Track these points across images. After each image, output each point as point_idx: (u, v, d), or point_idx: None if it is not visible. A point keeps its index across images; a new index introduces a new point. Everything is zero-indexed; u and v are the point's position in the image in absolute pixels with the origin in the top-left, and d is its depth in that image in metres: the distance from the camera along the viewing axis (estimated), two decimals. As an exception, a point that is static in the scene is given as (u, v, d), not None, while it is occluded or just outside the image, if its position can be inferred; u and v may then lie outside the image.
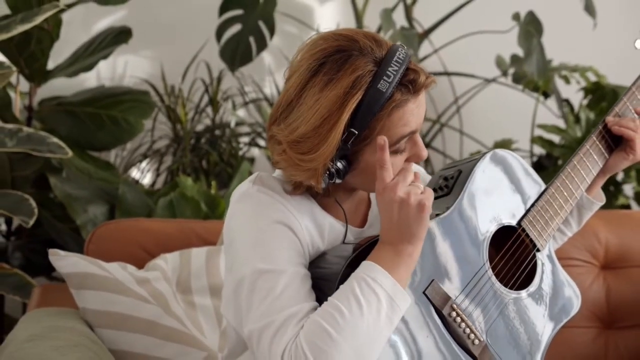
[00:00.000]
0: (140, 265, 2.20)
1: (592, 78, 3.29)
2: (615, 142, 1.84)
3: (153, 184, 3.24)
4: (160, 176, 3.24)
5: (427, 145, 3.44)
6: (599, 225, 2.47)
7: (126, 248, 2.24)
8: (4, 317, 2.96)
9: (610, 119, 1.84)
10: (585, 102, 3.19)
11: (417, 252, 1.52)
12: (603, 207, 3.03)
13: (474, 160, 1.72)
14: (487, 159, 1.72)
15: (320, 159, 1.49)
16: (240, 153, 3.22)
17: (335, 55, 1.48)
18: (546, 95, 3.33)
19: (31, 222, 2.44)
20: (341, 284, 1.48)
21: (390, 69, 1.47)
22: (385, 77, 1.47)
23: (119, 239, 2.26)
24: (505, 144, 3.24)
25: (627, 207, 3.17)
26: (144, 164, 3.24)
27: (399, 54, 1.49)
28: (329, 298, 1.46)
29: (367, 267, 1.48)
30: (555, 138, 3.36)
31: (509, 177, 1.74)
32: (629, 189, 3.35)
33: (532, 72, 3.04)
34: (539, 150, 3.42)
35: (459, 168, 1.73)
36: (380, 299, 1.45)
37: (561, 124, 3.33)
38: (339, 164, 1.51)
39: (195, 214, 2.74)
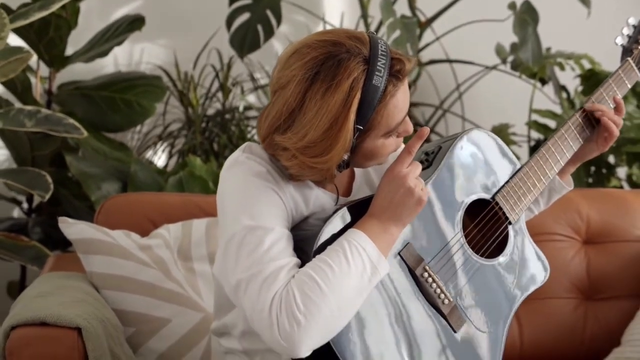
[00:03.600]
0: (145, 234, 2.33)
1: (587, 65, 3.39)
2: (590, 129, 1.94)
3: (166, 165, 3.39)
4: (172, 158, 3.40)
5: (431, 131, 3.57)
6: (581, 202, 2.59)
7: (133, 219, 2.37)
8: (25, 289, 3.13)
9: (589, 105, 1.95)
10: (580, 88, 3.31)
11: (398, 235, 1.66)
12: (594, 187, 3.16)
13: (453, 138, 1.84)
14: (465, 137, 1.83)
15: (335, 158, 1.61)
16: (249, 136, 3.35)
17: (327, 62, 1.58)
18: (543, 81, 3.44)
19: (47, 196, 2.58)
20: (321, 240, 1.60)
21: (379, 63, 1.59)
22: (377, 73, 1.58)
23: (126, 211, 2.39)
24: (502, 129, 3.36)
25: (620, 189, 3.27)
26: (157, 146, 3.40)
27: (381, 47, 1.61)
28: (319, 255, 1.58)
29: (356, 235, 1.61)
30: (551, 122, 3.47)
31: (485, 154, 1.85)
32: (621, 172, 3.46)
33: (527, 59, 3.16)
34: (536, 135, 3.54)
35: (440, 144, 1.85)
36: (365, 264, 1.58)
37: (559, 109, 3.44)
38: (345, 156, 1.64)
39: (204, 192, 2.87)
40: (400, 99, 1.63)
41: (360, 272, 1.58)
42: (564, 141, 1.92)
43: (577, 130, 1.93)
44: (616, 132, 1.93)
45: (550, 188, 2.00)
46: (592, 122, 1.95)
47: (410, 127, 1.69)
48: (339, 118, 1.57)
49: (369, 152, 1.67)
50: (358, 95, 1.57)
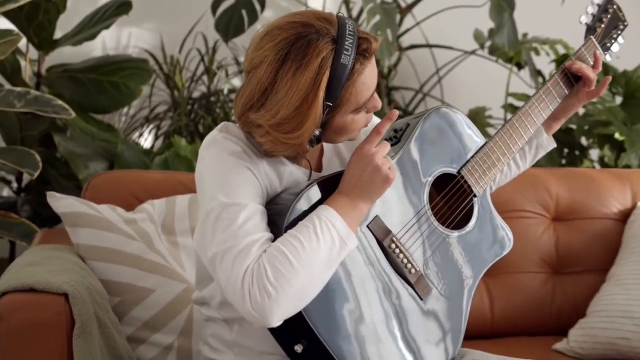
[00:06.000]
0: (131, 210, 2.40)
1: (562, 50, 3.49)
2: (552, 103, 2.03)
3: (152, 146, 3.47)
4: (158, 139, 3.48)
5: (410, 114, 3.66)
6: (551, 180, 2.69)
7: (118, 195, 2.43)
8: (14, 264, 3.21)
9: (569, 63, 2.04)
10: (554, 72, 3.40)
11: (366, 210, 1.74)
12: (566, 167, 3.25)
13: (420, 115, 1.92)
14: (432, 115, 1.92)
15: (306, 134, 1.68)
16: (233, 118, 3.41)
17: (297, 42, 1.65)
18: (519, 66, 3.54)
19: (36, 174, 2.66)
20: (293, 215, 1.68)
21: (346, 43, 1.66)
22: (345, 52, 1.66)
23: (112, 187, 2.46)
24: (479, 112, 3.45)
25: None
26: (144, 127, 3.48)
27: (349, 27, 1.68)
28: (290, 231, 1.65)
29: (326, 211, 1.68)
30: (526, 106, 3.56)
31: (451, 131, 1.93)
32: (594, 154, 3.56)
33: (503, 44, 3.26)
34: (512, 117, 3.63)
35: (408, 122, 1.93)
36: (334, 240, 1.66)
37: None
38: (316, 132, 1.71)
39: (188, 171, 2.95)
40: (368, 76, 1.71)
41: (329, 246, 1.65)
42: (528, 117, 2.00)
43: (540, 106, 2.01)
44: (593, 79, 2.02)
45: (537, 144, 2.09)
46: (571, 80, 2.05)
47: (378, 103, 1.76)
48: (309, 95, 1.65)
49: (340, 127, 1.74)
50: (327, 74, 1.65)
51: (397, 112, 1.74)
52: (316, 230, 1.64)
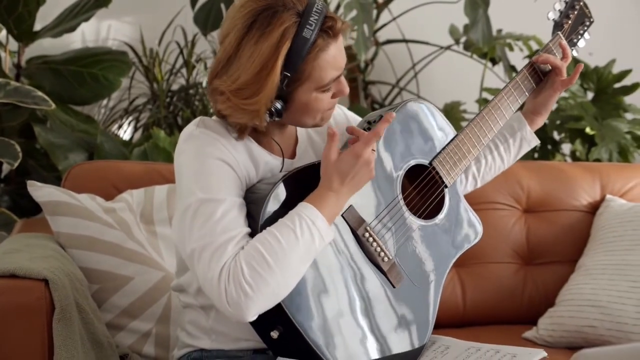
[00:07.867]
0: (110, 200, 2.43)
1: (535, 46, 3.55)
2: (520, 97, 2.08)
3: (131, 138, 3.50)
4: (138, 131, 3.51)
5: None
6: (522, 173, 2.74)
7: (98, 185, 2.46)
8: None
9: (536, 58, 2.08)
10: (528, 68, 3.46)
11: (345, 204, 1.78)
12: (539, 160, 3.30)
13: (394, 107, 1.97)
14: (405, 107, 1.96)
15: (262, 100, 1.72)
16: (212, 111, 3.44)
17: (264, 12, 1.71)
18: (494, 61, 3.59)
19: (16, 164, 2.69)
20: (265, 216, 1.71)
21: (311, 18, 1.71)
22: (308, 26, 1.71)
23: (92, 177, 2.49)
24: (454, 106, 3.51)
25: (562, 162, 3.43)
26: (123, 119, 3.51)
27: (317, 5, 1.73)
28: (269, 228, 1.68)
29: (308, 210, 1.71)
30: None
31: (424, 123, 1.98)
32: (566, 148, 3.62)
33: (477, 39, 3.31)
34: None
35: (381, 114, 1.95)
36: (314, 237, 1.70)
37: (508, 88, 3.58)
38: (277, 104, 1.75)
39: (167, 163, 2.99)
40: (332, 55, 1.75)
41: (308, 244, 1.69)
42: (497, 110, 2.04)
43: (509, 99, 2.06)
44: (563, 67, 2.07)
45: (521, 137, 2.13)
46: (539, 75, 2.09)
47: (345, 88, 1.80)
48: (268, 62, 1.70)
49: (303, 104, 1.77)
50: (287, 44, 1.70)
51: (394, 114, 1.78)
52: (295, 230, 1.68)
